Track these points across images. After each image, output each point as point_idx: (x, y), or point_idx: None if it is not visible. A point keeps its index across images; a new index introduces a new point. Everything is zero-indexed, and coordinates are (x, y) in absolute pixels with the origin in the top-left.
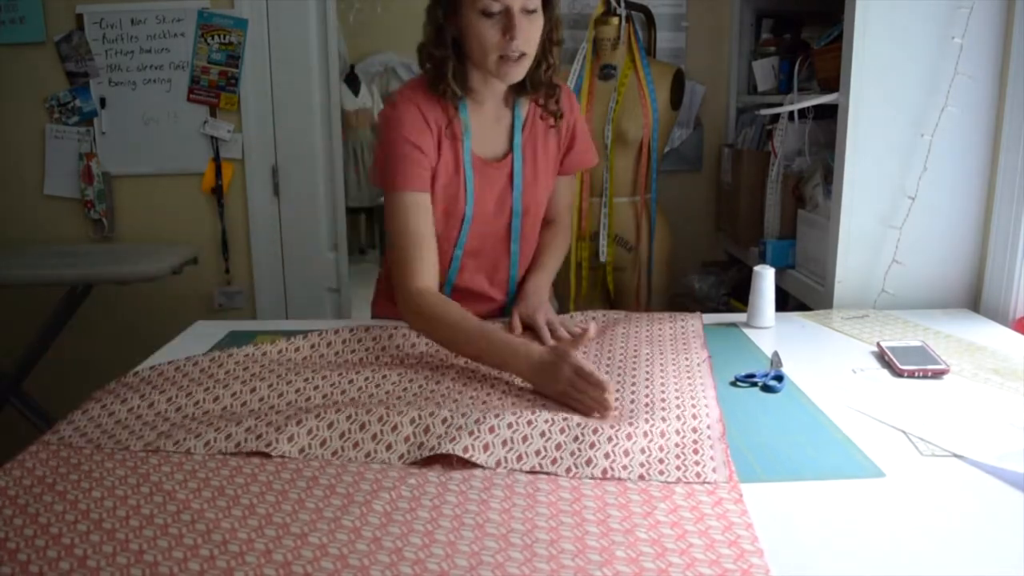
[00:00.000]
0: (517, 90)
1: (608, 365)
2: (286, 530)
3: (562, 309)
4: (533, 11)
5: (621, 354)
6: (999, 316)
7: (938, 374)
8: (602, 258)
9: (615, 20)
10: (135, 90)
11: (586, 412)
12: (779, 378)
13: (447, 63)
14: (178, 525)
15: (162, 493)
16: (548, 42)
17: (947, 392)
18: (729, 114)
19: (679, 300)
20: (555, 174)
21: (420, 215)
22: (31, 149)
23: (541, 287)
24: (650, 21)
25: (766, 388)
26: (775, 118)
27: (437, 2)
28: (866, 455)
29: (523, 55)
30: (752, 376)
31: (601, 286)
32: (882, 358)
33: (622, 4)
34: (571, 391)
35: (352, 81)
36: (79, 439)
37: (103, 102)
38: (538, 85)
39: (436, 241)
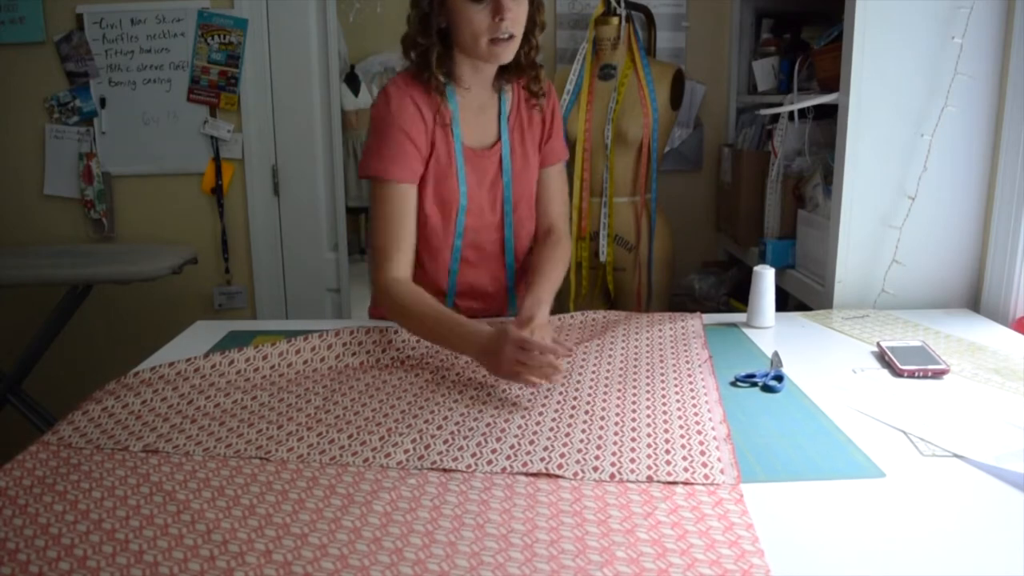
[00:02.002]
0: (501, 77)
1: (609, 366)
2: (286, 530)
3: (562, 309)
4: None
5: (622, 355)
6: (999, 316)
7: (938, 374)
8: (602, 258)
9: (615, 20)
10: (135, 90)
11: (541, 382)
12: (779, 378)
13: (432, 51)
14: (178, 525)
15: (162, 493)
16: (531, 24)
17: (947, 392)
18: (729, 114)
19: (679, 300)
20: (538, 161)
21: (407, 206)
22: (31, 149)
23: (541, 302)
24: (650, 21)
25: (766, 388)
26: (775, 118)
27: None
28: (866, 455)
29: (512, 36)
30: (752, 376)
31: (601, 286)
32: (882, 358)
33: (622, 4)
34: (519, 367)
35: (352, 81)
36: (79, 439)
37: (103, 102)
38: (522, 67)
39: (435, 233)
